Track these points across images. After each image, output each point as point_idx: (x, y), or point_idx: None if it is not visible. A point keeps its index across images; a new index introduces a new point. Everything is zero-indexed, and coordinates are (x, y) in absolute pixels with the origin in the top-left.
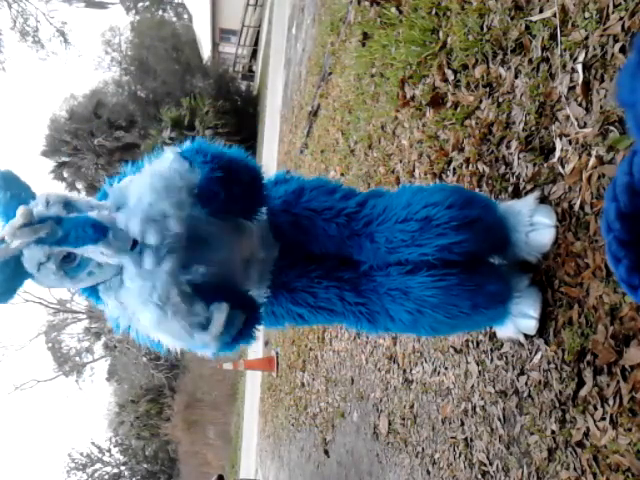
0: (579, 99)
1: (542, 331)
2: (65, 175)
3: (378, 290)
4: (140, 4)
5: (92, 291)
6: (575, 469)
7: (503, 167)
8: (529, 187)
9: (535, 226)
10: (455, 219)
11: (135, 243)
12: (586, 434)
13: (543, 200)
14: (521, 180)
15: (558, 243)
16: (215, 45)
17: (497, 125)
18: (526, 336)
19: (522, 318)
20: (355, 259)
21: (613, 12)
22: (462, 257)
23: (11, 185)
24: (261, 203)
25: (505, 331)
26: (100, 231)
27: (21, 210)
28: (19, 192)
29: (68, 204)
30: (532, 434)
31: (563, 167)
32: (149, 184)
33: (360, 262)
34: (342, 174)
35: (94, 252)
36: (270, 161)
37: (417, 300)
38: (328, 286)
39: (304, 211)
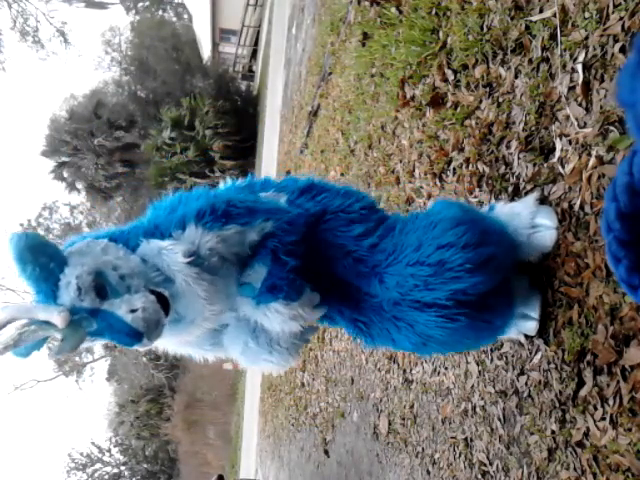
0: (579, 99)
1: (542, 331)
2: (65, 175)
3: (381, 313)
4: (140, 4)
5: None
6: (575, 469)
7: (503, 167)
8: (529, 187)
9: (537, 228)
10: (469, 261)
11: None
12: (586, 434)
13: (543, 200)
14: (521, 180)
15: (558, 243)
16: (215, 45)
17: (497, 125)
18: (526, 336)
19: (522, 319)
20: (365, 291)
21: (613, 12)
22: (475, 297)
23: (38, 256)
24: None
25: None
26: (135, 336)
27: (59, 319)
28: (47, 263)
29: (100, 275)
30: (532, 434)
31: (563, 167)
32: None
33: (370, 294)
34: (342, 174)
35: None
36: (270, 161)
37: (423, 335)
38: (328, 298)
39: (317, 238)
